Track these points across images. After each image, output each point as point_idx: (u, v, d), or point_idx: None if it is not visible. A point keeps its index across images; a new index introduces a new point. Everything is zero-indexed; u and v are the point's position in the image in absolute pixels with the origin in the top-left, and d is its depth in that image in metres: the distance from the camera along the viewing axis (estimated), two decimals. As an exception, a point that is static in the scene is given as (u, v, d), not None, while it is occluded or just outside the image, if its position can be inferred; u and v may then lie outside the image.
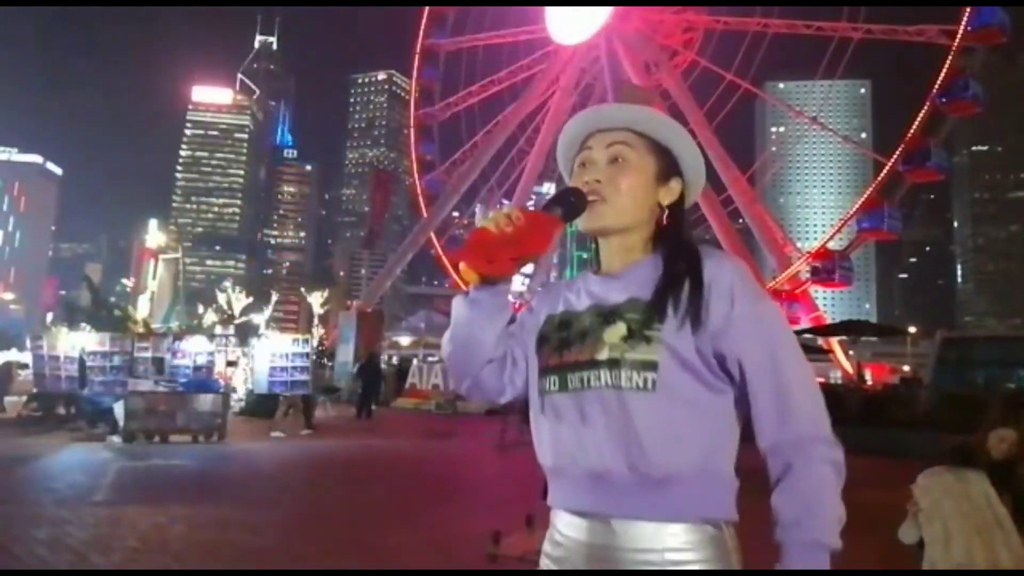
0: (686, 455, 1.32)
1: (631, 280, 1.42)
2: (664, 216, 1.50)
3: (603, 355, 1.35)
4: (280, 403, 15.73)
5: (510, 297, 1.47)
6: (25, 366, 19.22)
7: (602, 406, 1.34)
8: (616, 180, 1.46)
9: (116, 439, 12.64)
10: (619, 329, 1.35)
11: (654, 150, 1.50)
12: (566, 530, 1.41)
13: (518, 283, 59.26)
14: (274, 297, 65.66)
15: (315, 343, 22.17)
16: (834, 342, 38.42)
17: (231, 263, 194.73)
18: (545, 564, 1.45)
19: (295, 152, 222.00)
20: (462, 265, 1.37)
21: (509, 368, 1.53)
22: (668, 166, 1.51)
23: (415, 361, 28.90)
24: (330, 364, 28.05)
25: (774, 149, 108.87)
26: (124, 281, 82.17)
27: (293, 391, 16.17)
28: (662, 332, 1.33)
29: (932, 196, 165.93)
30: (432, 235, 53.16)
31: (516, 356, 1.53)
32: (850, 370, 39.51)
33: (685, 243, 1.46)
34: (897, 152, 38.84)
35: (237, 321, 53.11)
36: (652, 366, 1.32)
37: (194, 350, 16.99)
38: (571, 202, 1.42)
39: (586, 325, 1.41)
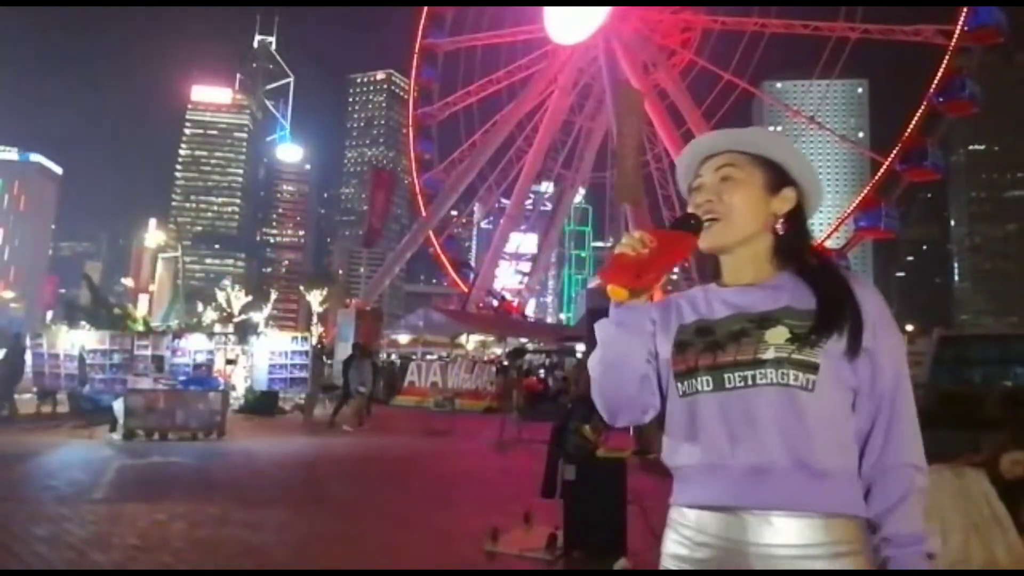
0: (842, 453, 1.43)
1: (778, 290, 1.51)
2: (781, 225, 1.59)
3: (769, 355, 1.43)
4: (354, 396, 16.63)
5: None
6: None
7: (770, 403, 1.42)
8: (727, 197, 1.55)
9: (116, 436, 12.67)
10: (781, 332, 1.44)
11: (760, 164, 1.58)
12: (713, 528, 1.44)
13: (515, 281, 59.27)
14: (273, 295, 65.67)
15: (314, 341, 22.15)
16: (832, 340, 38.37)
17: (230, 261, 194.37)
18: (680, 566, 1.48)
19: (294, 151, 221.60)
20: (609, 287, 1.47)
21: (653, 384, 1.58)
22: (776, 177, 1.59)
23: (413, 359, 28.87)
24: (329, 362, 28.00)
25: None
26: (124, 281, 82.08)
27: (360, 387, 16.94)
28: (825, 341, 1.43)
29: (929, 195, 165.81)
30: (431, 234, 53.16)
31: (650, 373, 1.59)
32: (848, 369, 39.52)
33: (832, 266, 1.56)
34: (894, 151, 38.88)
35: (236, 319, 53.13)
36: (814, 368, 1.42)
37: (194, 348, 16.99)
38: (692, 225, 1.54)
39: (735, 329, 1.48)
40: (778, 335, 1.44)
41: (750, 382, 1.43)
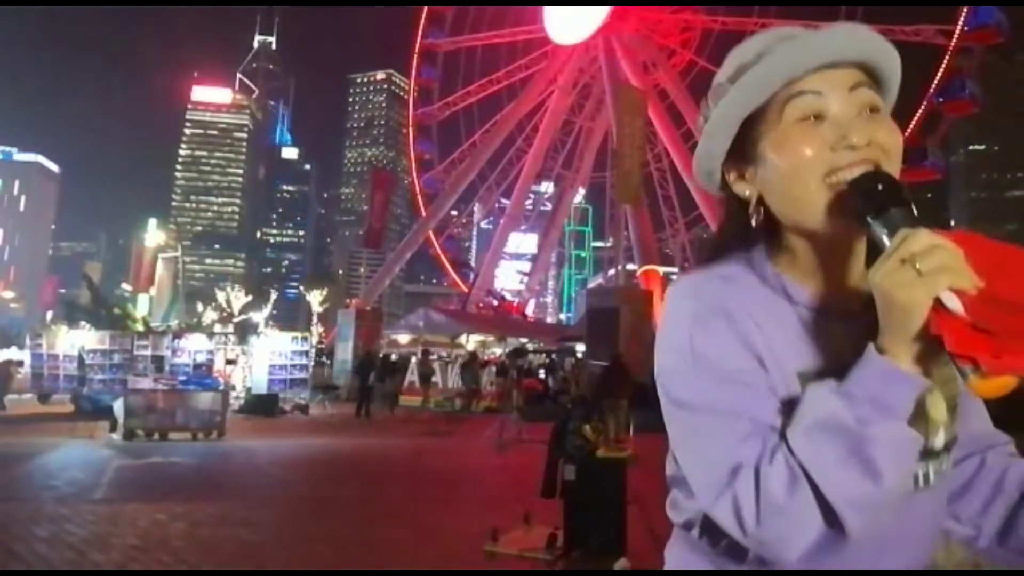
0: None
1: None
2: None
3: None
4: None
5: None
6: (21, 363, 19.21)
7: None
8: (883, 142, 0.92)
9: (116, 436, 12.68)
10: None
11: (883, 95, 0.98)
12: None
13: (515, 281, 59.28)
14: (273, 295, 65.68)
15: (314, 341, 22.14)
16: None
17: (230, 261, 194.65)
18: None
19: (294, 151, 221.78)
20: (1002, 380, 0.73)
21: None
22: None
23: (413, 359, 28.86)
24: (328, 362, 27.98)
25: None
26: (124, 285, 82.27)
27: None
28: None
29: (929, 195, 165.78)
30: (431, 234, 53.20)
31: None
32: (848, 369, 39.54)
33: None
34: (894, 151, 38.90)
35: (236, 319, 53.15)
36: None
37: (194, 348, 17.04)
38: (903, 201, 0.82)
39: None
40: None
41: None
